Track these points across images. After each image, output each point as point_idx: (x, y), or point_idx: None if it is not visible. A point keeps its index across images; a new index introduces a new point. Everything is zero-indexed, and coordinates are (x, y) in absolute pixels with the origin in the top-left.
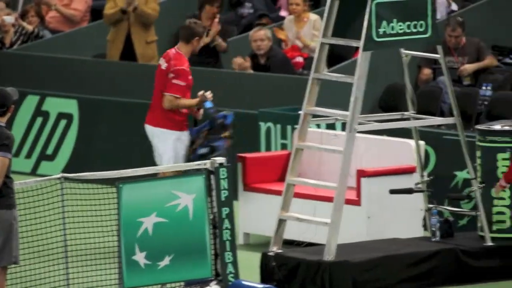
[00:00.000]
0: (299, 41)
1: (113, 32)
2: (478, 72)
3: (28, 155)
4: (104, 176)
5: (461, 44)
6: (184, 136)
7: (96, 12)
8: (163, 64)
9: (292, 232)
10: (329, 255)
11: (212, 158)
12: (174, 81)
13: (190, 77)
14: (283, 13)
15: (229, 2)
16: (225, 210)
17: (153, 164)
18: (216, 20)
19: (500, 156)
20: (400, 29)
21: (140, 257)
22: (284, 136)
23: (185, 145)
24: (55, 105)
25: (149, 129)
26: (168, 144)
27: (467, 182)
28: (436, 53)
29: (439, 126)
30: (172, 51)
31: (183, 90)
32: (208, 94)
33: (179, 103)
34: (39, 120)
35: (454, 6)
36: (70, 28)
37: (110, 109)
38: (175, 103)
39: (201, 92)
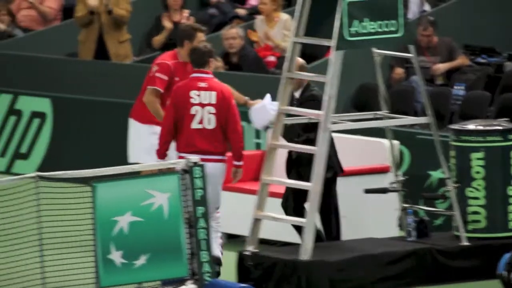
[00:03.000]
0: (269, 41)
1: (84, 33)
2: (450, 72)
3: (2, 154)
4: (79, 175)
5: (433, 44)
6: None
7: (68, 11)
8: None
9: (268, 232)
10: (305, 255)
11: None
12: (157, 74)
13: (173, 76)
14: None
15: (200, 1)
16: (200, 209)
17: (127, 162)
18: (186, 14)
19: (474, 155)
20: (372, 29)
21: (116, 256)
22: (258, 136)
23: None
24: (28, 104)
25: (130, 121)
26: (139, 138)
27: (441, 182)
28: (408, 52)
29: (412, 125)
30: (170, 51)
31: (165, 85)
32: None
33: (156, 106)
34: (12, 119)
35: (427, 6)
36: (42, 27)
37: (84, 107)
38: (154, 103)
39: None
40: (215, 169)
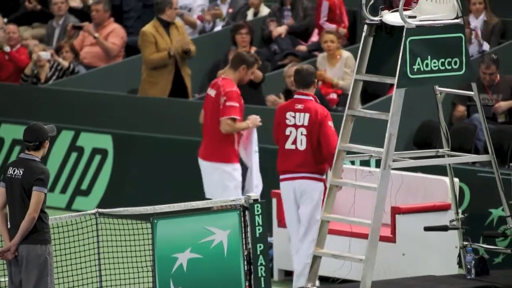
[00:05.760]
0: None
1: (154, 73)
2: None
3: (63, 190)
4: (139, 211)
5: (495, 82)
6: (234, 169)
7: (129, 48)
8: (212, 92)
9: (327, 269)
10: None
11: (246, 195)
12: (228, 103)
13: (241, 101)
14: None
15: (261, 38)
16: (259, 246)
17: (187, 199)
18: (252, 51)
19: None
20: (434, 66)
21: None
22: None
23: (235, 178)
24: (89, 140)
25: (201, 162)
26: (216, 178)
27: (502, 220)
28: (471, 90)
29: (473, 163)
30: (219, 79)
31: (239, 111)
32: (258, 118)
33: (236, 126)
34: (73, 155)
35: (486, 46)
36: (104, 64)
37: (144, 144)
38: (233, 126)
39: (252, 116)
40: (303, 186)
